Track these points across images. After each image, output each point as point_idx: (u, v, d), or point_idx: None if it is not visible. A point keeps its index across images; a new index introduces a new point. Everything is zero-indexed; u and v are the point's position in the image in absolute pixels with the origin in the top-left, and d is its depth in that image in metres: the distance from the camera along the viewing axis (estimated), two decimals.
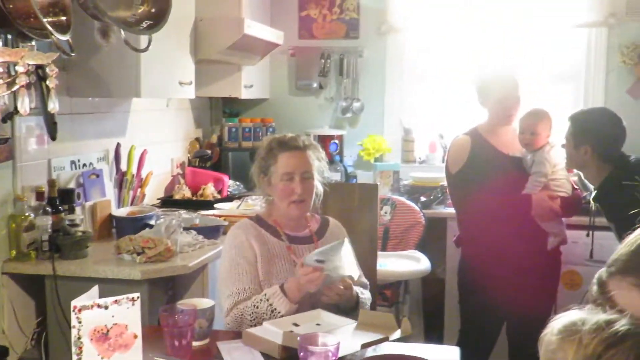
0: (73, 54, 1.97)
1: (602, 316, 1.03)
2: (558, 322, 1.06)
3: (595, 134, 2.62)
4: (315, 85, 4.49)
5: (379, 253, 2.81)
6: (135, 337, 1.69)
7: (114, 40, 2.01)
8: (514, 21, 4.14)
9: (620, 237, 2.53)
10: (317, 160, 2.25)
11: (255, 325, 2.04)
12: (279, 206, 2.24)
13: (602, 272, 1.17)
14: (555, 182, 2.84)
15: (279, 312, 2.04)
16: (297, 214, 2.24)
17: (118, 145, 3.24)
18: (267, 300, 2.06)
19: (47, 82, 1.93)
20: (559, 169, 2.86)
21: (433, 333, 3.74)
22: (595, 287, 1.17)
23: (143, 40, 2.47)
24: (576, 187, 3.04)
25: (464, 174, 2.87)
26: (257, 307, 2.07)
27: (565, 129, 2.74)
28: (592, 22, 4.10)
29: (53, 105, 1.97)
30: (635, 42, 4.03)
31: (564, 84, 4.30)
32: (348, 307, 2.16)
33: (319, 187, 2.27)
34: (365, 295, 2.25)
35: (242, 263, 2.16)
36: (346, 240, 2.10)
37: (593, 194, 2.71)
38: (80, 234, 2.63)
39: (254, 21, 3.60)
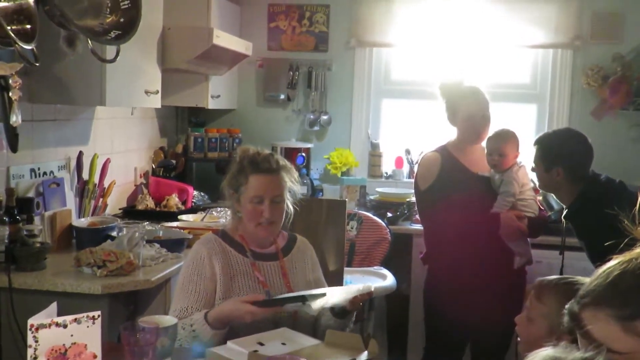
0: (37, 64, 1.90)
1: (577, 355, 1.02)
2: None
3: (565, 155, 2.64)
4: (283, 97, 4.46)
5: (345, 269, 2.79)
6: (95, 357, 1.63)
7: (81, 49, 1.95)
8: (480, 39, 4.18)
9: (592, 256, 2.56)
10: (290, 182, 2.21)
11: (180, 346, 2.00)
12: (245, 224, 2.20)
13: (573, 304, 1.16)
14: (523, 202, 2.86)
15: (200, 340, 1.99)
16: (265, 235, 2.21)
17: (80, 153, 3.15)
18: (191, 326, 2.01)
19: (10, 93, 1.86)
20: (526, 189, 2.88)
21: (396, 350, 3.73)
22: (566, 319, 1.16)
23: (110, 50, 2.41)
24: (542, 207, 3.06)
25: (433, 190, 2.87)
26: (184, 329, 2.02)
27: (532, 152, 2.75)
28: (558, 43, 4.16)
29: (15, 119, 1.90)
30: (599, 64, 4.10)
31: (529, 104, 4.35)
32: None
33: (289, 207, 2.23)
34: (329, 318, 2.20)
35: (195, 280, 2.12)
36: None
37: (564, 212, 2.72)
38: (38, 244, 2.54)
39: (222, 31, 3.56)
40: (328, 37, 4.42)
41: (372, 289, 2.13)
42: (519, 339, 1.79)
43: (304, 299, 2.01)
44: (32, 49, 1.89)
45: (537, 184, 2.84)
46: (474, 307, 2.69)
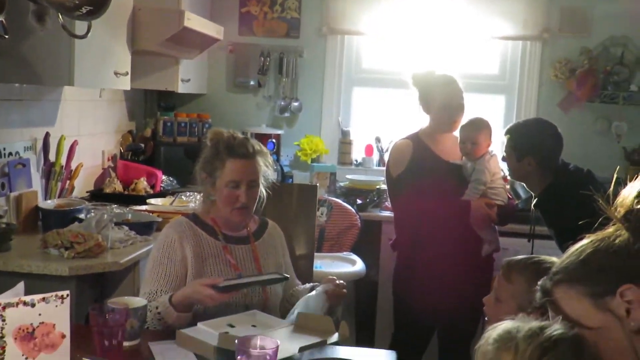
0: (7, 36, 1.84)
1: (534, 323, 1.07)
2: (493, 332, 1.09)
3: (536, 145, 2.67)
4: (253, 83, 4.43)
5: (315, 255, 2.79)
6: (63, 337, 1.60)
7: (50, 24, 1.90)
8: (450, 30, 4.20)
9: (561, 243, 2.60)
10: (265, 167, 2.21)
11: (148, 328, 2.00)
12: (219, 208, 2.18)
13: (545, 280, 1.18)
14: (493, 190, 2.89)
15: (165, 322, 2.00)
16: (240, 220, 2.20)
17: (47, 134, 3.10)
18: (156, 308, 2.00)
19: None
20: (497, 178, 2.91)
21: (364, 335, 3.76)
22: (538, 295, 1.19)
23: (80, 26, 2.36)
24: (510, 196, 3.10)
25: (404, 177, 2.88)
26: (150, 311, 2.00)
27: (502, 142, 2.78)
28: (527, 35, 4.21)
29: None
30: (567, 57, 4.17)
31: (497, 95, 4.40)
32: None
33: (262, 192, 2.23)
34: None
35: (165, 263, 2.11)
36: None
37: (534, 200, 2.76)
38: (3, 225, 2.50)
39: (194, 14, 3.52)
40: (300, 24, 4.40)
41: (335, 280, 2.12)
42: (487, 318, 1.81)
43: (263, 283, 2.01)
44: (1, 21, 1.83)
45: (507, 173, 2.88)
46: (442, 294, 2.72)
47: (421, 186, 2.81)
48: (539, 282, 1.20)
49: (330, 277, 2.12)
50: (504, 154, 2.75)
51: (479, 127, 2.88)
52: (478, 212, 2.82)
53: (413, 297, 2.83)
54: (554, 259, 1.70)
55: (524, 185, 2.94)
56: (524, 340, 1.05)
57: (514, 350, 1.04)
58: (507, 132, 2.76)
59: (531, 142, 2.67)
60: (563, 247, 2.59)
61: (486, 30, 4.20)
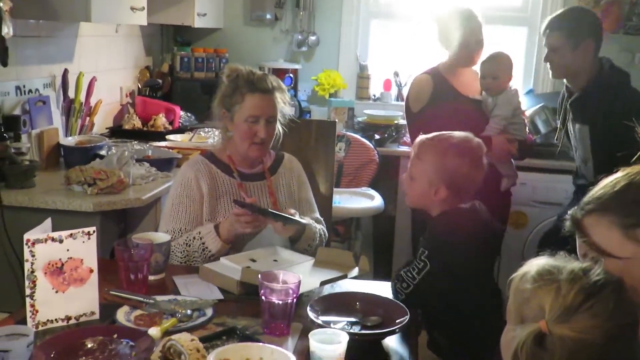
0: None
1: (575, 264, 1.06)
2: (531, 269, 1.08)
3: (592, 25, 2.61)
4: (270, 16, 4.36)
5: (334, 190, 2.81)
6: (91, 271, 1.65)
7: None
8: None
9: (593, 142, 2.57)
10: (282, 103, 2.21)
11: (184, 263, 2.06)
12: (237, 143, 2.20)
13: (576, 210, 1.19)
14: (514, 125, 2.87)
15: (209, 251, 2.05)
16: (257, 155, 2.22)
17: (65, 71, 3.10)
18: (201, 238, 2.06)
19: (1, 4, 1.78)
20: (518, 113, 2.88)
21: (382, 269, 3.81)
22: (568, 224, 1.19)
23: None
24: (529, 131, 3.08)
25: (425, 112, 2.86)
26: (189, 245, 2.07)
27: (545, 40, 2.68)
28: None
29: (7, 30, 1.84)
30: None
31: (519, 27, 4.31)
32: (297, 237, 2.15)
33: (279, 129, 2.24)
34: (312, 222, 2.23)
35: (185, 202, 2.15)
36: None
37: (574, 96, 2.69)
38: (27, 162, 2.53)
39: None
40: None
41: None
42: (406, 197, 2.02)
43: (284, 219, 2.03)
44: None
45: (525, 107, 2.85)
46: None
47: (441, 121, 2.78)
48: (569, 212, 1.20)
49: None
50: (551, 53, 2.67)
51: (500, 62, 2.83)
52: (499, 147, 2.80)
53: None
54: (459, 134, 1.95)
55: (545, 115, 2.91)
56: (566, 283, 1.02)
57: (555, 291, 1.02)
58: (551, 27, 2.64)
59: (588, 23, 2.61)
60: (594, 148, 2.57)
61: None
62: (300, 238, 2.14)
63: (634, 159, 1.15)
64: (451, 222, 1.87)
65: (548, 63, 2.72)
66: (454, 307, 1.84)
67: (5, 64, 2.20)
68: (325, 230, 2.33)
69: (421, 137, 1.98)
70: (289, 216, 2.04)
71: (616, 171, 1.16)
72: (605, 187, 1.15)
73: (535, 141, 3.27)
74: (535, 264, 1.08)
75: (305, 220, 2.13)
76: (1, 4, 1.78)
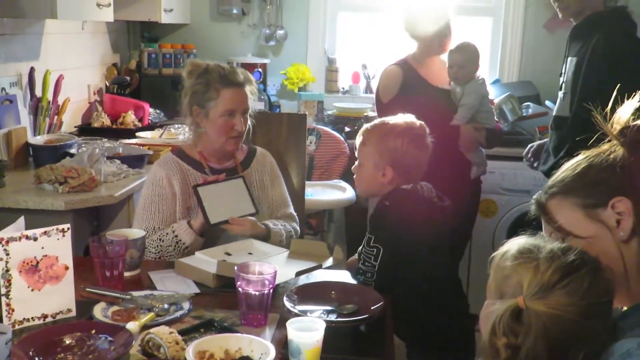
0: None
1: (555, 244, 1.10)
2: (512, 247, 1.12)
3: None
4: (237, 11, 4.36)
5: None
6: (67, 268, 1.65)
7: None
8: None
9: (574, 74, 2.60)
10: (251, 95, 2.22)
11: (159, 259, 2.08)
12: (212, 139, 2.20)
13: (540, 194, 1.23)
14: (482, 114, 2.92)
15: (183, 243, 2.07)
16: (234, 148, 2.24)
17: (32, 69, 3.07)
18: (173, 232, 2.09)
19: None
20: (485, 102, 2.93)
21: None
22: (533, 207, 1.24)
23: None
24: (497, 119, 3.14)
25: (395, 103, 2.89)
26: (162, 240, 2.10)
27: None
28: None
29: None
30: None
31: (484, 17, 4.37)
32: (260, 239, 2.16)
33: (249, 122, 2.25)
34: (279, 226, 2.23)
35: (157, 201, 2.16)
36: (239, 180, 2.17)
37: (573, 25, 2.73)
38: None
39: None
40: None
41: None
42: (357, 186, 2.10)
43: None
44: None
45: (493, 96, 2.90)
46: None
47: (411, 111, 2.82)
48: (534, 196, 1.24)
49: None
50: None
51: (467, 51, 2.87)
52: (467, 136, 2.85)
53: None
54: (402, 117, 2.05)
55: (512, 104, 2.96)
56: (545, 261, 1.06)
57: (533, 269, 1.06)
58: None
59: None
60: (574, 80, 2.60)
61: None
62: (266, 241, 2.15)
63: (590, 142, 1.19)
64: (392, 203, 1.91)
65: (556, 3, 2.74)
66: (412, 292, 1.88)
67: None
68: (297, 227, 2.35)
69: (365, 125, 2.07)
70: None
71: (577, 154, 1.20)
72: (567, 171, 1.19)
73: (504, 129, 3.34)
74: (517, 242, 1.13)
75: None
76: None
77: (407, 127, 2.01)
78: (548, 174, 2.91)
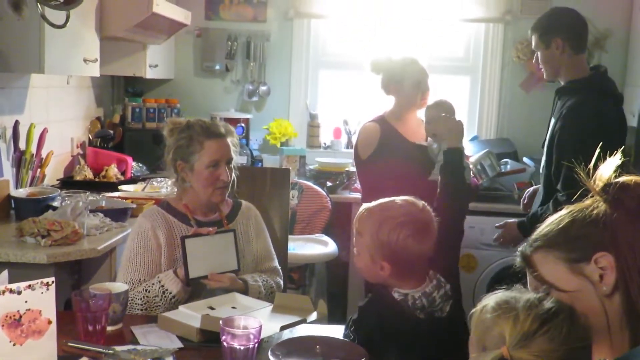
0: None
1: (531, 294, 1.13)
2: (489, 301, 1.14)
3: (565, 25, 2.73)
4: (220, 67, 4.44)
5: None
6: (50, 322, 1.63)
7: (27, 13, 1.90)
8: (416, 13, 4.27)
9: (551, 132, 2.70)
10: (233, 146, 2.26)
11: (144, 310, 2.07)
12: (196, 192, 2.22)
13: (525, 247, 1.26)
14: None
15: (170, 292, 2.06)
16: (220, 199, 2.25)
17: (16, 122, 3.08)
18: (159, 281, 2.09)
19: None
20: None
21: (336, 315, 3.84)
22: (518, 260, 1.26)
23: (53, 15, 2.35)
24: (474, 175, 3.19)
25: (374, 160, 2.93)
26: (148, 291, 2.09)
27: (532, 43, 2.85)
28: (489, 17, 4.30)
29: None
30: (528, 38, 4.24)
31: (462, 76, 4.49)
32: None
33: (234, 174, 2.28)
34: (259, 282, 2.23)
35: (142, 253, 2.16)
36: (230, 234, 2.18)
37: (561, 87, 2.82)
38: None
39: None
40: (266, 8, 4.42)
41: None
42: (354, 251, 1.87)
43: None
44: None
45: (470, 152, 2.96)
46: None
47: (390, 167, 2.86)
48: (519, 249, 1.27)
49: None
50: (535, 51, 2.81)
51: (443, 108, 2.91)
52: None
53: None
54: (401, 200, 1.82)
55: (490, 160, 3.02)
56: (523, 311, 1.09)
57: (513, 320, 1.09)
58: (532, 29, 2.81)
59: (559, 20, 2.74)
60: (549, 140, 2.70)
61: (450, 12, 4.27)
62: (245, 294, 2.15)
63: (574, 197, 1.23)
64: (375, 315, 1.74)
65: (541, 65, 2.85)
66: None
67: None
68: (281, 282, 2.36)
69: (361, 208, 1.87)
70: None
71: (561, 209, 1.24)
72: (551, 225, 1.22)
73: (481, 185, 3.40)
74: (494, 296, 1.16)
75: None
76: None
77: (406, 217, 1.76)
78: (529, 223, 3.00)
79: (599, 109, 2.64)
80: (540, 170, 2.88)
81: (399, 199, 1.82)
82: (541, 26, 2.78)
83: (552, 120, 2.83)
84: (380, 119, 3.02)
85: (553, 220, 1.22)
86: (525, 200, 3.11)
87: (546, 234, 1.21)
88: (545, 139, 2.84)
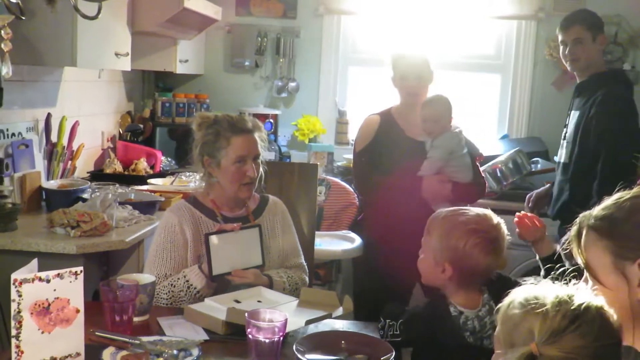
0: (24, 17, 1.87)
1: (560, 290, 1.11)
2: (517, 297, 1.12)
3: (603, 25, 3.03)
4: (250, 63, 4.45)
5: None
6: (78, 311, 1.65)
7: (60, 6, 1.93)
8: (446, 9, 4.23)
9: (576, 126, 2.90)
10: (261, 141, 2.25)
11: (170, 305, 2.08)
12: (223, 187, 2.22)
13: (587, 216, 1.24)
14: (450, 168, 2.82)
15: (194, 288, 2.07)
16: (248, 195, 2.25)
17: (48, 115, 3.12)
18: (185, 276, 2.09)
19: (2, 45, 1.83)
20: (457, 156, 2.83)
21: (362, 311, 3.82)
22: (574, 228, 1.25)
23: (86, 7, 2.36)
24: (481, 174, 3.04)
25: (367, 153, 2.87)
26: (174, 286, 2.09)
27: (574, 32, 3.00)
28: (522, 15, 4.24)
29: (7, 70, 1.87)
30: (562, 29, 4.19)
31: (493, 74, 4.44)
32: None
33: (261, 169, 2.27)
34: (283, 278, 2.22)
35: (169, 248, 2.17)
36: (255, 230, 2.17)
37: (578, 82, 3.06)
38: (9, 205, 2.53)
39: None
40: (297, 4, 4.42)
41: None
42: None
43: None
44: (18, 2, 1.85)
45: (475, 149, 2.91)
46: (400, 272, 2.55)
47: (382, 161, 2.79)
48: (580, 215, 1.25)
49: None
50: (574, 43, 2.98)
51: (437, 104, 2.81)
52: (428, 188, 2.77)
53: (380, 272, 2.80)
54: (475, 211, 1.77)
55: (520, 158, 3.00)
56: (553, 306, 1.08)
57: (542, 315, 1.07)
58: (572, 20, 3.03)
59: (600, 20, 3.01)
60: (574, 133, 2.91)
61: (482, 10, 4.22)
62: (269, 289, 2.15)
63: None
64: (426, 323, 1.74)
65: (567, 56, 3.03)
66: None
67: (0, 104, 2.22)
68: (306, 278, 2.34)
69: (436, 212, 1.86)
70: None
71: (622, 188, 1.22)
72: (620, 211, 1.20)
73: (504, 184, 3.46)
74: (521, 291, 1.13)
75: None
76: (2, 45, 1.82)
77: (478, 226, 1.74)
78: (555, 217, 2.98)
79: (631, 97, 2.91)
80: (559, 165, 3.01)
81: (477, 209, 1.81)
82: (591, 20, 2.96)
83: (574, 114, 2.97)
84: (384, 112, 2.95)
85: (622, 205, 1.19)
86: (532, 205, 3.09)
87: (609, 217, 1.19)
88: (566, 132, 3.00)
